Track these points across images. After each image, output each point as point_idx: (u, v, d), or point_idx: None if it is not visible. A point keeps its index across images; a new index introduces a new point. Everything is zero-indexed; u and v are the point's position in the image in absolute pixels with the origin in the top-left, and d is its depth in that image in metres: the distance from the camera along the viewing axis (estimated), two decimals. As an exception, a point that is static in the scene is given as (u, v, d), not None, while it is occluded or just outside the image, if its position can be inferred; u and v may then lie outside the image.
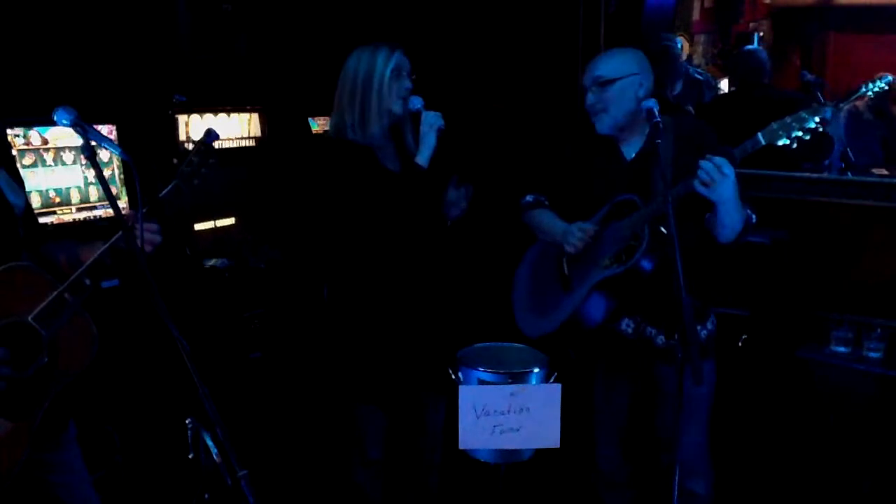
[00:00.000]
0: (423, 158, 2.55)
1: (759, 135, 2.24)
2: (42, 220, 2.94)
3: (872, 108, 4.95)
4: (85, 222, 3.20)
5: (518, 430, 2.34)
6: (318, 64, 3.58)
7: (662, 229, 2.28)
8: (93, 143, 1.92)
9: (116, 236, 1.97)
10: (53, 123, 1.93)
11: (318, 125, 4.05)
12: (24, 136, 3.04)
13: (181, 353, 1.71)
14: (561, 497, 3.47)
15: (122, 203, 3.28)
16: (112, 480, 3.11)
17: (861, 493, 3.32)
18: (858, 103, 4.82)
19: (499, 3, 4.27)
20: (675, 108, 4.10)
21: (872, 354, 3.39)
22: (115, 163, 3.32)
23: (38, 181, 3.07)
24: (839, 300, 3.71)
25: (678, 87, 4.34)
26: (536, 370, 2.73)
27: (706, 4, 7.13)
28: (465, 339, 2.93)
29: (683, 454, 2.23)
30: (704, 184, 2.24)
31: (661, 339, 2.54)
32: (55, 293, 1.92)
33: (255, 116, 3.83)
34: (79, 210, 3.20)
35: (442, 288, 2.73)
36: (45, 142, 3.10)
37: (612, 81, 2.45)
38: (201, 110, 3.58)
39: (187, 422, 2.36)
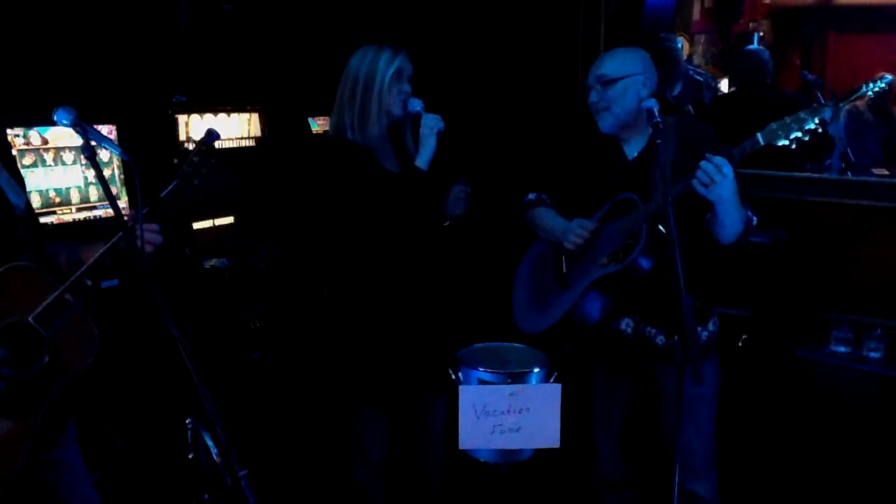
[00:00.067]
0: (422, 161, 2.54)
1: (759, 135, 2.24)
2: (42, 220, 2.94)
3: (872, 108, 4.97)
4: (85, 222, 3.19)
5: (518, 430, 2.34)
6: (318, 64, 3.58)
7: (661, 228, 2.28)
8: (93, 143, 1.92)
9: (117, 236, 1.97)
10: (53, 123, 1.93)
11: (318, 125, 4.04)
12: (25, 136, 3.04)
13: (181, 353, 1.71)
14: (561, 497, 3.47)
15: (122, 203, 3.28)
16: (112, 480, 3.11)
17: (861, 493, 3.32)
18: (858, 103, 4.83)
19: (499, 3, 4.27)
20: (675, 109, 4.09)
21: (872, 354, 3.39)
22: (115, 163, 3.31)
23: (38, 181, 3.07)
24: (839, 300, 3.71)
25: (678, 88, 4.34)
26: (536, 370, 2.73)
27: (706, 4, 7.13)
28: (465, 339, 2.93)
29: (685, 455, 2.22)
30: (703, 184, 2.24)
31: (660, 338, 2.53)
32: (56, 293, 1.92)
33: (255, 116, 3.83)
34: (79, 210, 3.19)
35: (442, 288, 2.74)
36: (46, 142, 3.10)
37: (615, 80, 2.45)
38: (201, 110, 3.58)
39: (187, 422, 2.37)
